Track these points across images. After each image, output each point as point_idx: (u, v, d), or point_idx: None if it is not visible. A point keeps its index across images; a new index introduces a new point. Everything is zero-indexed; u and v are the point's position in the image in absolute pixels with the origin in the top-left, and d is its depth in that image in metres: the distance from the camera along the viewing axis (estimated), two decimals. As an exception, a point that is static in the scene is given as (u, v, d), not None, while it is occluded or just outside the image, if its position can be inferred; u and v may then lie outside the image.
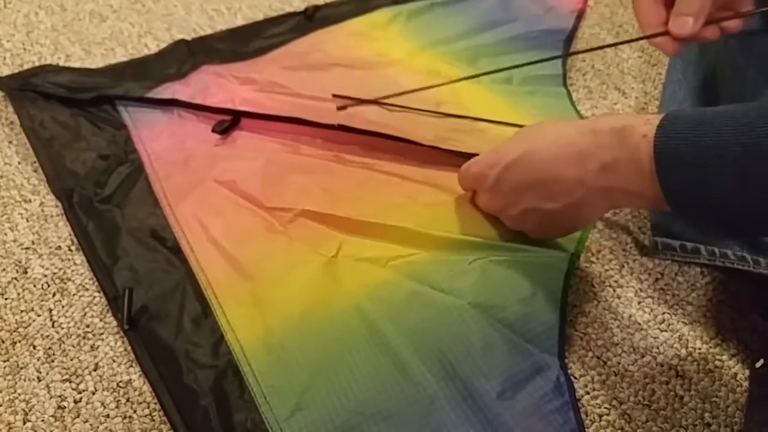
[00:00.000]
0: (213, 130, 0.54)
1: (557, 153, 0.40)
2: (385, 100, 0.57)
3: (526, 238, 0.46)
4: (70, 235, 0.49)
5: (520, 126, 0.54)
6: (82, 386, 0.42)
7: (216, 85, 0.59)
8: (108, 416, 0.40)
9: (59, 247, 0.49)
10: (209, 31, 0.67)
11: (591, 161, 0.38)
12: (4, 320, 0.45)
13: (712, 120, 0.34)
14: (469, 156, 0.48)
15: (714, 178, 0.33)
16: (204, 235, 0.48)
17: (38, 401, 0.41)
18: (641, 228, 0.52)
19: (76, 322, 0.45)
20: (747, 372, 0.44)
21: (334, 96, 0.58)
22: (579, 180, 0.39)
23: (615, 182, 0.38)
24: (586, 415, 0.42)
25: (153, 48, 0.65)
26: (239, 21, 0.69)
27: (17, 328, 0.44)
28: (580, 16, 0.71)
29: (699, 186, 0.34)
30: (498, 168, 0.43)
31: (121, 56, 0.64)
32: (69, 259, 0.48)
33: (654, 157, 0.35)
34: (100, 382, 0.42)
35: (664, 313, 0.47)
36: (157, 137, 0.55)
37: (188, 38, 0.65)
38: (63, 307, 0.45)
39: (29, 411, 0.40)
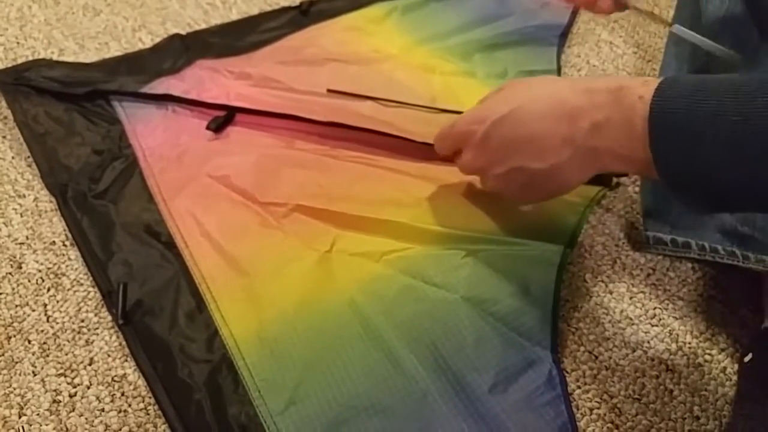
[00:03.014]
0: (208, 127, 0.54)
1: (549, 109, 0.39)
2: (380, 97, 0.57)
3: (519, 231, 0.47)
4: (64, 230, 0.50)
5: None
6: (77, 380, 0.42)
7: (211, 80, 0.59)
8: (103, 410, 0.41)
9: (54, 243, 0.49)
10: (204, 26, 0.67)
11: (583, 119, 0.37)
12: (-1, 315, 0.45)
13: (712, 86, 0.33)
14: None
15: (708, 146, 0.32)
16: (198, 230, 0.48)
17: (33, 395, 0.41)
18: (634, 224, 0.52)
19: (70, 317, 0.45)
20: (736, 366, 0.44)
21: (329, 91, 0.58)
22: (569, 138, 0.38)
23: (604, 143, 0.37)
24: (577, 409, 0.42)
25: (147, 42, 0.65)
26: (234, 15, 0.69)
27: (12, 322, 0.44)
28: (575, 11, 0.71)
29: (691, 153, 0.33)
30: (487, 123, 0.41)
31: (115, 50, 0.64)
32: (63, 255, 0.48)
33: (649, 119, 0.34)
34: (95, 376, 0.42)
35: (655, 308, 0.48)
36: (152, 132, 0.55)
37: (183, 32, 0.65)
38: (58, 302, 0.46)
39: (24, 405, 0.41)
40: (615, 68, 0.66)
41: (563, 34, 0.68)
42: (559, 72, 0.64)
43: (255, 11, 0.69)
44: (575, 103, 0.38)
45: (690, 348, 0.45)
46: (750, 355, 0.40)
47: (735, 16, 0.48)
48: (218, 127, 0.54)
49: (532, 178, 0.41)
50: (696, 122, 0.32)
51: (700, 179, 0.34)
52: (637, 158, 0.36)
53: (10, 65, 0.61)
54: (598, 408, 0.42)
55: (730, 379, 0.44)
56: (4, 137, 0.56)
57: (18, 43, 0.64)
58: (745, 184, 0.33)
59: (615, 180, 0.54)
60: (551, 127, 0.39)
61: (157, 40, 0.65)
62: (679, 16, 0.54)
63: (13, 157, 0.55)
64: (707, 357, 0.45)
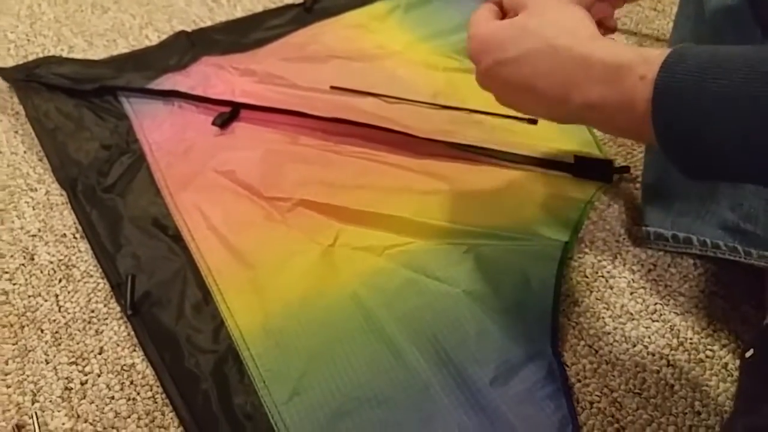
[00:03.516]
0: (213, 123, 0.55)
1: (551, 68, 0.36)
2: (383, 93, 0.57)
3: (521, 226, 0.47)
4: (74, 223, 0.51)
5: (518, 119, 0.54)
6: (87, 369, 0.43)
7: (216, 76, 0.60)
8: (113, 398, 0.42)
9: (64, 235, 0.50)
10: (209, 23, 0.68)
11: (576, 94, 0.35)
12: (13, 305, 0.46)
13: (723, 63, 0.30)
14: (465, 147, 0.48)
15: (716, 130, 0.30)
16: (204, 224, 0.49)
17: (46, 383, 0.42)
18: (635, 219, 0.52)
19: (81, 307, 0.46)
20: (737, 362, 0.44)
21: (332, 88, 0.58)
22: (563, 102, 0.36)
23: (599, 118, 0.35)
24: (578, 403, 0.42)
25: (154, 39, 0.66)
26: (239, 12, 0.70)
27: (25, 312, 0.45)
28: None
29: (698, 136, 0.31)
30: (494, 53, 0.39)
31: (122, 47, 0.65)
32: (74, 247, 0.49)
33: (652, 100, 0.31)
34: (105, 365, 0.43)
35: (656, 303, 0.48)
36: (159, 127, 0.56)
37: (189, 29, 0.66)
38: (69, 292, 0.47)
39: (37, 392, 0.42)
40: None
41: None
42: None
43: (259, 8, 0.70)
44: (571, 73, 0.36)
45: (691, 343, 0.46)
46: (751, 351, 0.40)
47: (738, 14, 0.48)
48: (224, 122, 0.55)
49: (530, 113, 0.41)
50: (705, 102, 0.30)
51: (708, 161, 0.32)
52: (636, 134, 0.34)
53: (20, 62, 0.62)
54: (599, 402, 0.43)
55: (732, 375, 0.44)
56: (16, 132, 0.57)
57: (28, 40, 0.65)
58: (757, 167, 0.30)
59: (616, 176, 0.54)
60: (547, 88, 0.37)
61: (164, 37, 0.66)
62: (681, 14, 0.54)
63: (25, 152, 0.56)
64: (708, 353, 0.45)
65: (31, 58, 0.63)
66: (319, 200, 0.49)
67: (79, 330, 0.45)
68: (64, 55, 0.64)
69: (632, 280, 0.49)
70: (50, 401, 0.41)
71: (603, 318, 0.47)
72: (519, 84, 0.39)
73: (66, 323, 0.45)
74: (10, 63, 0.63)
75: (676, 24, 0.52)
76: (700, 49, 0.31)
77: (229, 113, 0.56)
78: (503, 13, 0.42)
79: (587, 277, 0.49)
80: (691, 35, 0.50)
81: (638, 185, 0.54)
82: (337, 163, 0.53)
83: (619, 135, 0.37)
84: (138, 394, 0.42)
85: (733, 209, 0.47)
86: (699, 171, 0.33)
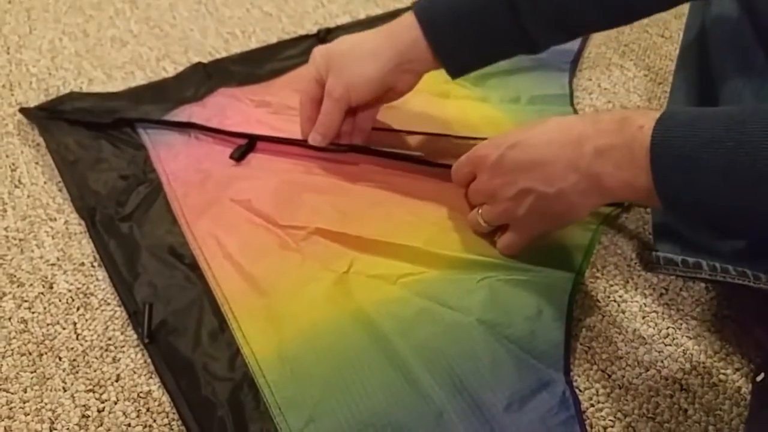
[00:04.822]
0: (231, 157, 0.56)
1: (558, 135, 0.42)
2: (395, 126, 0.58)
3: (532, 256, 0.48)
4: (92, 252, 0.52)
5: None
6: (104, 396, 0.43)
7: (232, 107, 0.61)
8: (129, 425, 0.42)
9: (83, 264, 0.51)
10: (224, 54, 0.70)
11: (587, 144, 0.40)
12: (32, 333, 0.47)
13: (709, 116, 0.35)
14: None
15: (704, 171, 0.34)
16: (220, 252, 0.50)
17: (63, 410, 0.43)
18: (646, 244, 0.53)
19: (98, 335, 0.47)
20: (750, 386, 0.44)
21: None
22: (574, 162, 0.40)
23: (607, 168, 0.39)
24: (591, 427, 0.42)
25: (171, 71, 0.68)
26: (253, 44, 0.72)
27: (44, 340, 0.46)
28: (586, 36, 0.72)
29: (689, 178, 0.35)
30: (503, 147, 0.44)
31: (140, 79, 0.67)
32: (92, 275, 0.50)
33: (650, 147, 0.36)
34: (122, 392, 0.43)
35: (668, 327, 0.48)
36: (175, 157, 0.57)
37: (205, 61, 0.68)
38: (86, 320, 0.47)
39: (55, 420, 0.42)
40: (626, 91, 0.67)
41: (575, 60, 0.69)
42: (571, 96, 0.65)
43: (273, 40, 0.72)
44: (581, 130, 0.40)
45: (704, 367, 0.46)
46: (762, 375, 0.40)
47: (741, 38, 0.50)
48: (241, 156, 0.56)
49: (540, 201, 0.43)
50: (693, 149, 0.35)
51: (699, 205, 0.36)
52: (639, 185, 0.37)
53: (42, 95, 0.64)
54: (612, 426, 0.43)
55: (745, 399, 0.44)
56: (37, 164, 0.58)
57: (50, 73, 0.67)
58: (739, 209, 0.34)
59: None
60: (558, 151, 0.41)
61: (180, 68, 0.67)
62: (686, 40, 0.55)
63: (45, 183, 0.57)
64: (722, 377, 0.45)
65: (52, 91, 0.65)
66: (334, 229, 0.50)
67: (96, 358, 0.45)
68: (84, 87, 0.66)
69: (644, 304, 0.49)
70: (68, 429, 0.42)
71: (615, 342, 0.47)
72: (531, 160, 0.43)
73: (83, 351, 0.46)
74: (31, 96, 0.64)
75: (684, 32, 0.55)
76: (690, 108, 0.37)
77: (245, 146, 0.57)
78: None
79: (599, 301, 0.49)
80: (696, 39, 0.54)
81: (649, 210, 0.55)
82: (350, 193, 0.54)
83: (628, 194, 0.40)
84: (154, 421, 0.42)
85: (731, 239, 0.47)
86: (697, 222, 0.37)
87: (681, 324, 0.48)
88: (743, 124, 0.33)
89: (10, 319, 0.47)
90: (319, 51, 0.53)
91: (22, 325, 0.47)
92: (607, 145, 0.39)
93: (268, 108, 0.61)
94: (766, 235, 0.41)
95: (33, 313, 0.48)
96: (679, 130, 0.36)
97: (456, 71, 0.52)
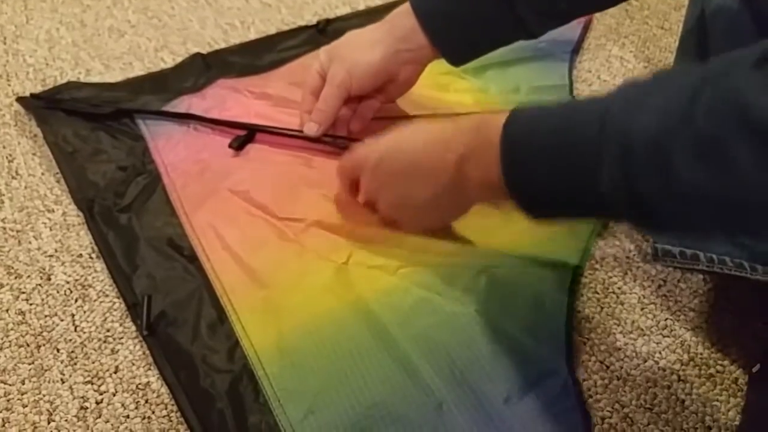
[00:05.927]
0: (230, 146, 0.56)
1: (426, 140, 0.43)
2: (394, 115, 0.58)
3: (532, 247, 0.48)
4: (91, 243, 0.51)
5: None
6: (103, 388, 0.43)
7: (231, 99, 0.61)
8: (128, 417, 0.42)
9: (81, 255, 0.51)
10: (223, 45, 0.69)
11: (450, 150, 0.40)
12: (30, 325, 0.47)
13: (566, 104, 0.36)
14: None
15: (539, 161, 0.34)
16: (219, 244, 0.50)
17: (62, 402, 0.43)
18: (643, 235, 0.53)
19: (97, 327, 0.46)
20: (747, 377, 0.44)
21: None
22: (441, 168, 0.41)
23: (472, 171, 0.39)
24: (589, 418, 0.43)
25: (169, 62, 0.67)
26: (252, 35, 0.71)
27: (42, 332, 0.46)
28: (586, 26, 0.72)
29: (530, 168, 0.35)
30: (378, 152, 0.45)
31: (138, 70, 0.66)
32: (90, 267, 0.50)
33: (500, 140, 0.36)
34: (121, 384, 0.43)
35: (666, 319, 0.48)
36: (174, 148, 0.57)
37: (203, 52, 0.67)
38: (85, 312, 0.47)
39: (53, 411, 0.42)
40: (625, 83, 0.67)
41: (575, 50, 0.69)
42: (570, 87, 0.65)
43: (272, 30, 0.71)
44: (446, 135, 0.41)
45: (702, 359, 0.46)
46: (758, 366, 0.41)
47: (741, 30, 0.49)
48: (240, 145, 0.56)
49: (417, 203, 0.44)
50: (535, 137, 0.35)
51: (539, 195, 0.36)
52: (498, 185, 0.37)
53: (39, 85, 0.64)
54: (610, 417, 0.43)
55: (742, 390, 0.44)
56: (34, 154, 0.58)
57: (47, 64, 0.67)
58: (565, 191, 0.34)
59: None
60: (426, 156, 0.42)
61: (179, 59, 0.67)
62: (686, 31, 0.55)
63: (42, 174, 0.57)
64: (719, 368, 0.45)
65: (49, 81, 0.64)
66: (332, 221, 0.50)
67: (94, 349, 0.45)
68: (82, 77, 0.65)
69: (643, 296, 0.49)
70: (66, 420, 0.42)
71: (614, 334, 0.47)
72: (405, 165, 0.44)
73: (82, 343, 0.46)
74: (29, 86, 0.64)
75: (683, 23, 0.55)
76: (543, 105, 0.37)
77: (245, 136, 0.57)
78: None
79: (598, 293, 0.49)
80: (695, 30, 0.53)
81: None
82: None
83: (493, 195, 0.40)
84: (153, 413, 0.42)
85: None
86: (542, 214, 0.37)
87: (679, 315, 0.48)
88: (568, 115, 0.34)
89: (7, 310, 0.47)
90: (324, 48, 0.54)
91: (20, 317, 0.47)
92: (468, 150, 0.39)
93: (268, 100, 0.60)
94: (604, 220, 0.43)
95: (31, 304, 0.48)
96: (527, 119, 0.36)
97: (456, 60, 0.52)
